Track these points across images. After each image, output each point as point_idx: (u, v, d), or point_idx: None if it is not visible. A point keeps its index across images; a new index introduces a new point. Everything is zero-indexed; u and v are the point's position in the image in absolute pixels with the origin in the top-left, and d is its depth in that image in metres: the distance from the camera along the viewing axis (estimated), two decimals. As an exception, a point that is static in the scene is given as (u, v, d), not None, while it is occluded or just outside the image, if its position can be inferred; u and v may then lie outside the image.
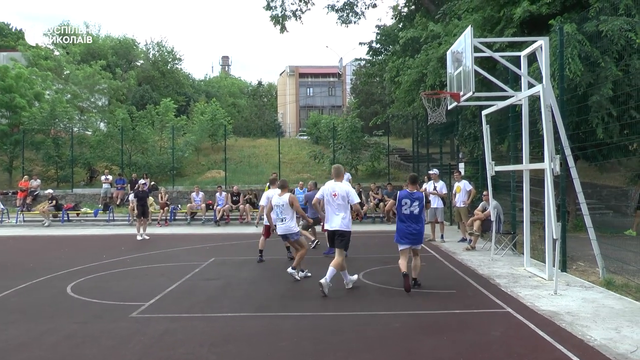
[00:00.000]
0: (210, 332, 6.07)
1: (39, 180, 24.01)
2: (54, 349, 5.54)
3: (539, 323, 6.17)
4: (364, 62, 32.89)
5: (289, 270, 8.90)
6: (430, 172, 15.03)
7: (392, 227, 9.42)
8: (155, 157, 27.18)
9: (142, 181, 17.42)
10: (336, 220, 8.02)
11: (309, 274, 9.08)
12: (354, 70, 49.61)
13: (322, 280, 7.68)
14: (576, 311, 6.67)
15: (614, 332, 5.77)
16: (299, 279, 8.88)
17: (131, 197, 17.46)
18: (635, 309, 6.74)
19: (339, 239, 8.06)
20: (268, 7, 28.28)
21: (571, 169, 8.87)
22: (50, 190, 21.68)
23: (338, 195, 8.01)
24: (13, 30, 51.44)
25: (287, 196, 9.02)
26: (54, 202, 20.79)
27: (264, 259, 10.86)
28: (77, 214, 21.44)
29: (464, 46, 9.06)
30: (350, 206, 8.20)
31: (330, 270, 7.76)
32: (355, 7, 29.84)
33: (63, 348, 5.57)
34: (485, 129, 10.82)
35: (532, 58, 9.78)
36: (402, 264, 7.94)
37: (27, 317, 6.84)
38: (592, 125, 11.57)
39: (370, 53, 28.99)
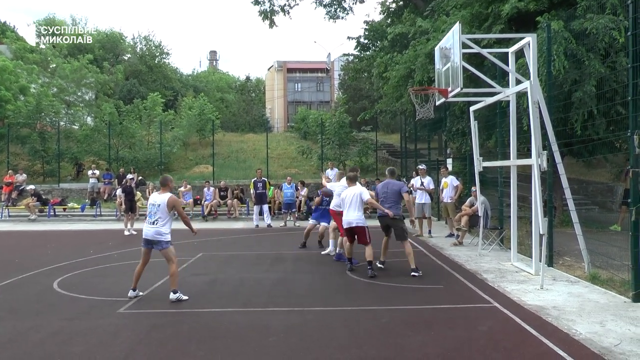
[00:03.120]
0: (198, 327, 6.07)
1: (24, 175, 23.67)
2: (41, 346, 5.50)
3: (525, 317, 6.24)
4: (352, 57, 32.80)
5: (172, 295, 7.30)
6: (419, 167, 15.10)
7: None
8: (143, 152, 26.90)
9: (129, 176, 17.35)
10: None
11: (185, 298, 7.35)
12: (342, 65, 49.42)
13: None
14: (562, 305, 6.75)
15: (598, 326, 5.85)
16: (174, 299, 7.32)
17: (119, 192, 17.36)
18: (619, 303, 6.84)
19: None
20: (256, 2, 28.08)
21: (558, 165, 8.95)
22: (32, 186, 21.32)
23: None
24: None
25: (167, 196, 7.45)
26: (36, 198, 20.58)
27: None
28: (64, 209, 21.23)
29: (452, 42, 9.09)
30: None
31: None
32: (343, 2, 29.68)
33: (50, 345, 5.53)
34: (473, 124, 10.88)
35: (519, 54, 9.82)
36: None
37: (13, 314, 6.78)
38: (572, 122, 11.67)
39: (359, 48, 28.90)
